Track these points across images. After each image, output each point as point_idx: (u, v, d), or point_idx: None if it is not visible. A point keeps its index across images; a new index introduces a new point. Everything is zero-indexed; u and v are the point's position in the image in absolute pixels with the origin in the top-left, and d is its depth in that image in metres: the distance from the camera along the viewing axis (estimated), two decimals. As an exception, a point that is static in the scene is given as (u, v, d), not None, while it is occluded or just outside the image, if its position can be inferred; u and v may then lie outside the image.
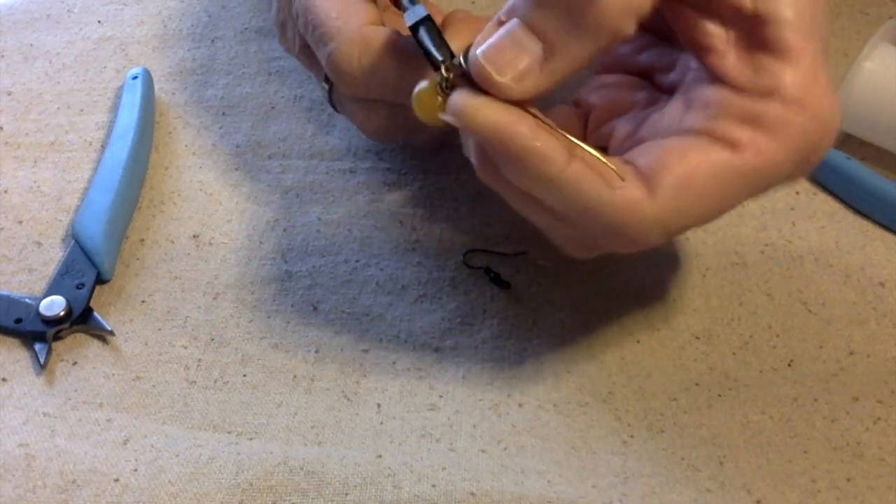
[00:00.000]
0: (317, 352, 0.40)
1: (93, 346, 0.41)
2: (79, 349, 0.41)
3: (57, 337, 0.41)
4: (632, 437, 0.37)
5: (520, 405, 0.38)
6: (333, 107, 0.44)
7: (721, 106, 0.31)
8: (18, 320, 0.41)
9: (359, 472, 0.34)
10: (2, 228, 0.46)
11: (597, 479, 0.35)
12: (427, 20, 0.33)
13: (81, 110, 0.51)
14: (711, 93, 0.31)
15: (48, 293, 0.42)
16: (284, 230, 0.45)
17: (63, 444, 0.36)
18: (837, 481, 0.35)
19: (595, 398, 0.38)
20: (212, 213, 0.46)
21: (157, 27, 0.56)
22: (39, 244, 0.45)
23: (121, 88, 0.52)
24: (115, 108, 0.51)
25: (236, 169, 0.48)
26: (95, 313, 0.41)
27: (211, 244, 0.45)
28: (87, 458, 0.36)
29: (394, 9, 0.42)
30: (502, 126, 0.30)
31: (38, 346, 0.40)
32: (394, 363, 0.40)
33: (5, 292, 0.42)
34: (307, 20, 0.39)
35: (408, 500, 0.34)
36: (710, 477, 0.35)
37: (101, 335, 0.41)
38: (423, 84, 0.33)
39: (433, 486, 0.34)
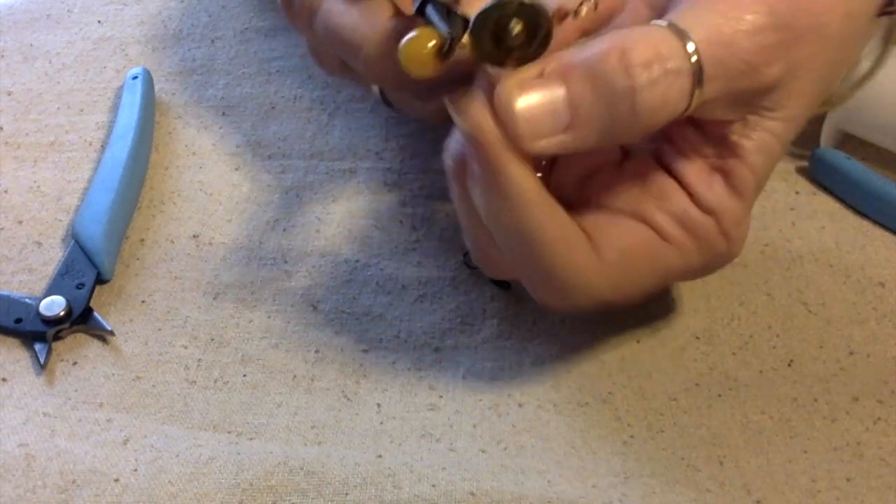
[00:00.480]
0: (317, 352, 0.40)
1: (93, 346, 0.41)
2: (79, 349, 0.41)
3: (57, 337, 0.41)
4: (632, 437, 0.37)
5: (520, 405, 0.38)
6: (390, 106, 0.43)
7: (669, 200, 0.34)
8: (18, 320, 0.41)
9: (359, 472, 0.34)
10: (2, 228, 0.46)
11: (597, 479, 0.35)
12: None
13: (81, 110, 0.51)
14: (665, 184, 0.34)
15: (48, 293, 0.42)
16: (284, 230, 0.45)
17: (63, 444, 0.36)
18: (837, 481, 0.35)
19: (595, 398, 0.38)
20: (212, 213, 0.46)
21: (157, 27, 0.56)
22: (39, 244, 0.45)
23: (121, 88, 0.52)
24: (115, 108, 0.51)
25: (236, 169, 0.48)
26: (95, 313, 0.41)
27: (211, 244, 0.45)
28: (87, 458, 0.36)
29: None
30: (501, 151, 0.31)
31: (38, 346, 0.40)
32: (394, 363, 0.40)
33: (5, 292, 0.42)
34: (333, 40, 0.39)
35: (408, 500, 0.34)
36: (710, 477, 0.35)
37: (101, 335, 0.41)
38: (411, 35, 0.32)
39: (433, 486, 0.34)
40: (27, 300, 0.42)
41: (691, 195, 0.34)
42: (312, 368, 0.40)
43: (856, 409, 0.37)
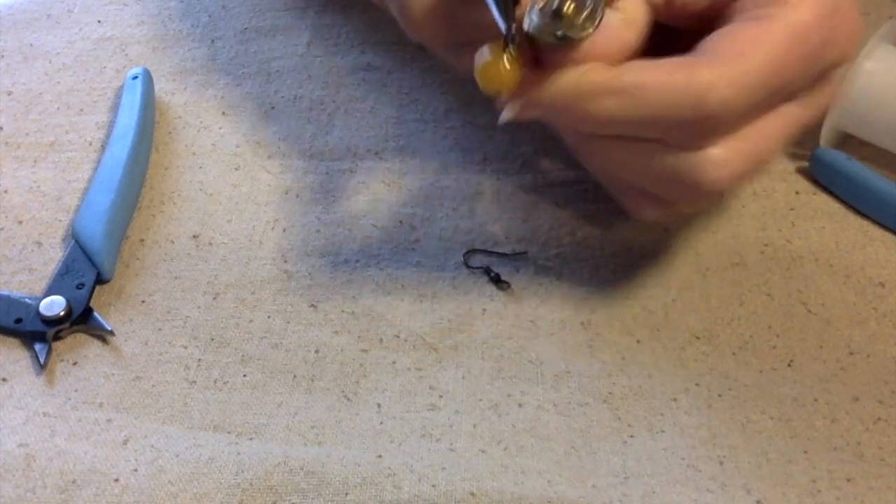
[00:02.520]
0: (317, 352, 0.40)
1: (93, 346, 0.41)
2: (79, 349, 0.41)
3: (57, 337, 0.41)
4: (632, 437, 0.37)
5: (520, 405, 0.38)
6: (423, 49, 0.42)
7: None
8: (18, 320, 0.41)
9: (359, 472, 0.34)
10: (2, 228, 0.46)
11: (597, 479, 0.35)
12: None
13: (81, 110, 0.51)
14: None
15: (48, 293, 0.42)
16: (284, 230, 0.45)
17: (63, 444, 0.36)
18: (837, 481, 0.35)
19: (595, 398, 0.38)
20: (212, 213, 0.46)
21: (157, 27, 0.56)
22: (39, 244, 0.45)
23: (121, 88, 0.52)
24: (115, 108, 0.51)
25: (236, 169, 0.48)
26: (95, 313, 0.41)
27: (211, 244, 0.45)
28: (87, 458, 0.36)
29: None
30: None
31: (38, 346, 0.40)
32: (394, 363, 0.40)
33: (5, 292, 0.42)
34: None
35: (408, 500, 0.34)
36: (710, 477, 0.35)
37: (101, 335, 0.41)
38: (484, 55, 0.32)
39: (433, 486, 0.34)
40: (27, 300, 0.42)
41: None
42: (312, 368, 0.40)
43: (856, 409, 0.37)
